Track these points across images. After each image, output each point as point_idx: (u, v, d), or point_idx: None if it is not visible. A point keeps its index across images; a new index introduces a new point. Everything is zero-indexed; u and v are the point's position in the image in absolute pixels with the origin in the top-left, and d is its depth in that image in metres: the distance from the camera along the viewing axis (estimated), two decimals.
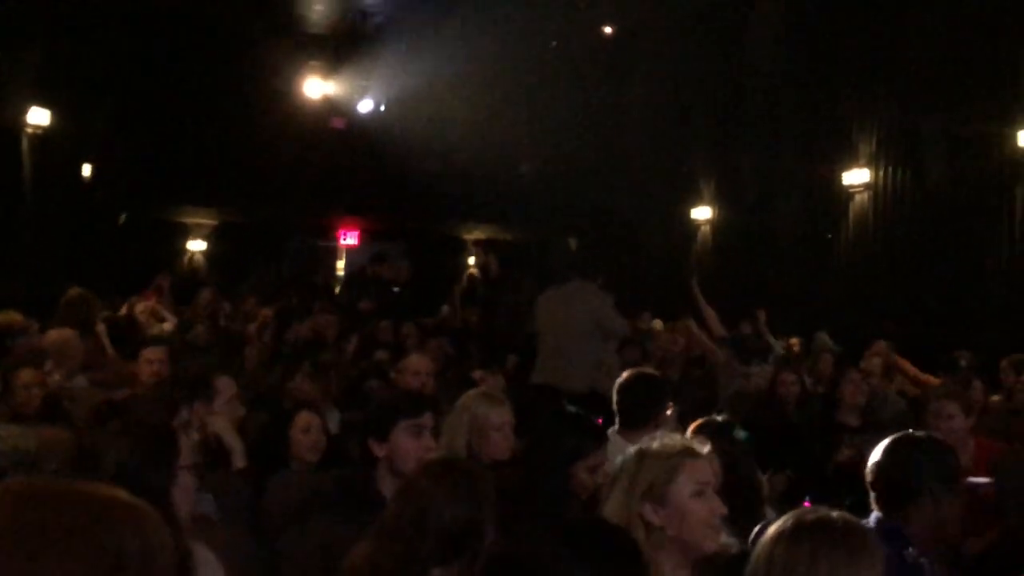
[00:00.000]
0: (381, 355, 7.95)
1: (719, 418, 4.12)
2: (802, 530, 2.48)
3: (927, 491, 3.37)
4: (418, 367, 6.25)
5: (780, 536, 2.50)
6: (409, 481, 3.03)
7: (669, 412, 4.81)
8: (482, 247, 9.01)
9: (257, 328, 8.99)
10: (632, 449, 3.02)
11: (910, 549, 3.30)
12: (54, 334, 6.30)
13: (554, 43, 17.59)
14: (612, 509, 2.90)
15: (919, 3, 11.32)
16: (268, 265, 15.11)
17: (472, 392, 4.72)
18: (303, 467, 4.66)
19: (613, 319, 7.92)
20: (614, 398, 4.84)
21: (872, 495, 3.47)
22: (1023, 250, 9.92)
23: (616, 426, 4.78)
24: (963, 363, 7.92)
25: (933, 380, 7.96)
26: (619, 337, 8.29)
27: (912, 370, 8.20)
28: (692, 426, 3.94)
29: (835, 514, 2.53)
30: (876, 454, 3.49)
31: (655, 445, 2.95)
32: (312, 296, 13.01)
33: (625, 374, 4.94)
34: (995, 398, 7.11)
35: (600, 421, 4.52)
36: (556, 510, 3.50)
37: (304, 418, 4.77)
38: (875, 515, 3.41)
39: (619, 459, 3.05)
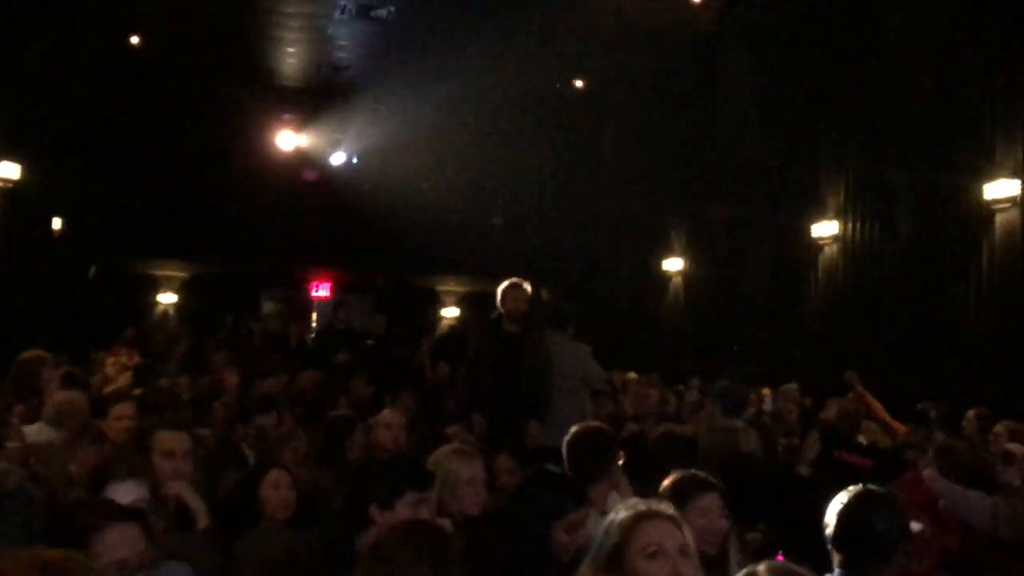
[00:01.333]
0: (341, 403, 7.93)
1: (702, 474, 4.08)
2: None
3: (894, 547, 3.38)
4: (390, 421, 6.27)
5: None
6: (377, 543, 2.98)
7: (621, 462, 4.79)
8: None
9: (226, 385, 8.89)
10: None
11: None
12: (61, 395, 6.19)
13: (558, 86, 17.59)
14: None
15: (887, 57, 11.48)
16: (240, 318, 14.97)
17: (444, 447, 4.69)
18: (274, 525, 4.58)
19: (596, 370, 7.89)
20: (564, 455, 4.78)
21: (833, 550, 3.45)
22: (991, 302, 9.99)
23: None
24: (932, 415, 7.93)
25: (901, 427, 7.99)
26: (599, 388, 8.25)
27: (883, 413, 8.19)
28: (667, 481, 3.90)
29: (796, 569, 2.53)
30: (834, 511, 3.47)
31: (621, 512, 2.92)
32: (285, 350, 12.94)
33: (572, 430, 4.87)
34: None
35: None
36: (535, 572, 3.44)
37: (274, 475, 4.70)
38: (838, 572, 3.39)
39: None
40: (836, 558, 3.44)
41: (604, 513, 3.38)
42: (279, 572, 3.65)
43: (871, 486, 3.62)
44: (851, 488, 3.56)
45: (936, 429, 7.58)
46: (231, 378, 8.84)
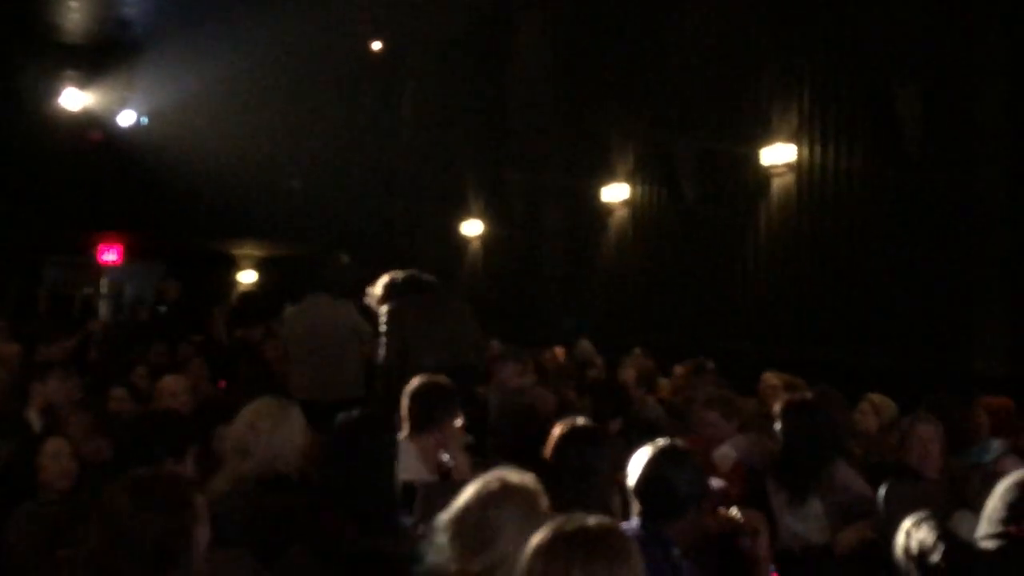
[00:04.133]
0: (141, 372, 7.60)
1: None
2: (558, 542, 2.43)
3: (691, 502, 3.46)
4: (175, 388, 6.04)
5: (539, 550, 2.44)
6: (98, 504, 2.76)
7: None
8: None
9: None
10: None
11: (674, 551, 3.37)
12: None
13: (355, 47, 17.25)
14: None
15: (672, 30, 11.75)
16: (22, 284, 14.16)
17: (261, 404, 4.48)
18: (52, 497, 4.33)
19: (364, 324, 7.90)
20: (405, 404, 4.74)
21: (633, 499, 3.51)
22: (768, 262, 10.41)
23: (406, 432, 4.67)
24: (710, 367, 8.11)
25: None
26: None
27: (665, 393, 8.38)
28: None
29: (592, 521, 2.48)
30: (638, 464, 3.52)
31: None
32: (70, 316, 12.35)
33: (415, 381, 4.83)
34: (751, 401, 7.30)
35: None
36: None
37: (53, 444, 4.46)
38: (636, 521, 3.44)
39: None
40: (635, 507, 3.49)
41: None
42: (56, 546, 3.42)
43: (676, 442, 3.67)
44: (657, 443, 3.60)
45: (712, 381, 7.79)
46: (9, 347, 8.32)
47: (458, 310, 7.50)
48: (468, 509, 2.94)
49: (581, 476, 3.88)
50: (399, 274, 7.40)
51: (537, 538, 2.46)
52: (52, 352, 8.28)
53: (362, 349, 8.18)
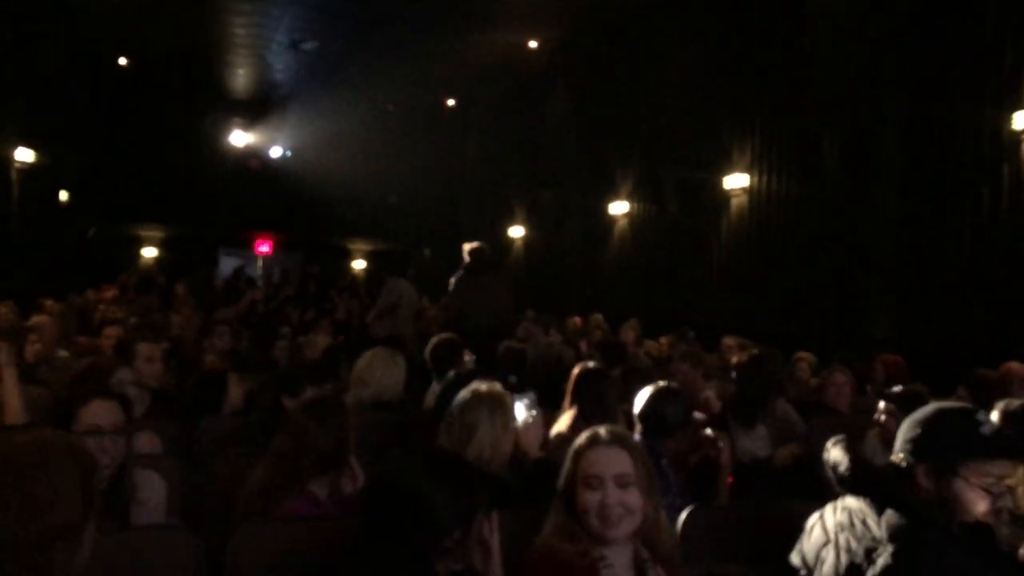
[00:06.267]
0: (285, 331, 7.70)
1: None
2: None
3: (677, 427, 3.46)
4: (320, 344, 6.17)
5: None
6: (290, 416, 2.85)
7: (467, 359, 4.82)
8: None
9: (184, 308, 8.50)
10: None
11: (663, 461, 3.36)
12: (37, 318, 5.85)
13: (451, 102, 17.37)
14: None
15: (661, 87, 11.59)
16: (202, 267, 14.38)
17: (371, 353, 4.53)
18: (230, 411, 4.42)
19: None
20: (429, 355, 4.83)
21: (637, 422, 3.51)
22: (727, 260, 10.32)
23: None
24: (691, 335, 8.10)
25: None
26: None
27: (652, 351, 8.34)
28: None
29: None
30: (641, 399, 3.53)
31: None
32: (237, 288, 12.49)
33: (434, 339, 4.94)
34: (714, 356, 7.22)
35: None
36: None
37: (235, 376, 4.54)
38: (639, 437, 3.44)
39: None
40: (638, 428, 3.50)
41: None
42: (228, 446, 3.50)
43: (670, 383, 3.68)
44: (657, 384, 3.60)
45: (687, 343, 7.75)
46: (192, 312, 8.46)
47: (503, 285, 7.50)
48: (452, 413, 2.96)
49: (594, 401, 3.88)
50: (475, 251, 7.36)
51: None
52: (225, 314, 8.39)
53: (426, 313, 8.57)
